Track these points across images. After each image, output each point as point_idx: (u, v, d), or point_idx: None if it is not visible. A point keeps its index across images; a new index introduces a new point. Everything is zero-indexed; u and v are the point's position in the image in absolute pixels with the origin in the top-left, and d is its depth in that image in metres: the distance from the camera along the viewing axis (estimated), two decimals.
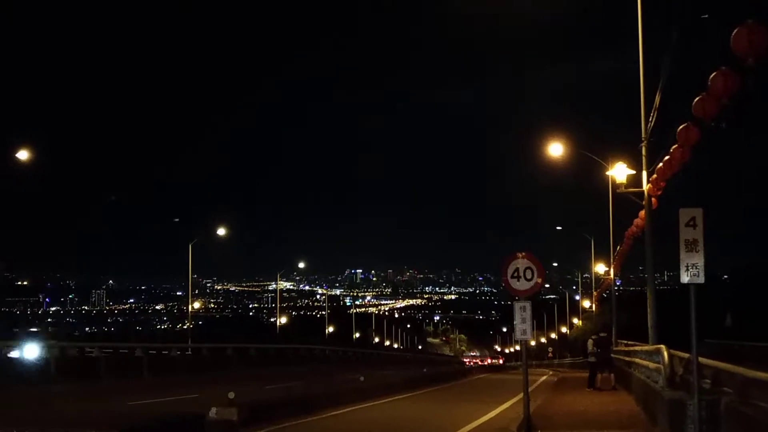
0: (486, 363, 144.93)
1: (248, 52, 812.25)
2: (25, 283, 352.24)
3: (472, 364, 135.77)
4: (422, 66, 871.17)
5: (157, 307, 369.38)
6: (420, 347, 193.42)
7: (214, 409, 17.64)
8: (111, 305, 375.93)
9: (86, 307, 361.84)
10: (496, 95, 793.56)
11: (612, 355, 34.81)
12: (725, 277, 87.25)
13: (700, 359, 13.21)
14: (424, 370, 63.27)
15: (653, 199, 26.28)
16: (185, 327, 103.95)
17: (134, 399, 25.24)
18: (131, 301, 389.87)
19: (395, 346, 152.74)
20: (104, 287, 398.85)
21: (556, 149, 35.15)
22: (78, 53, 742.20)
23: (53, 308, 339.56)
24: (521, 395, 18.37)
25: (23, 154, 42.71)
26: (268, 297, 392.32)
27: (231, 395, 18.00)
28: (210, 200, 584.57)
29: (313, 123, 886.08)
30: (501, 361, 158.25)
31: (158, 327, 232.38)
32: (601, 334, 33.38)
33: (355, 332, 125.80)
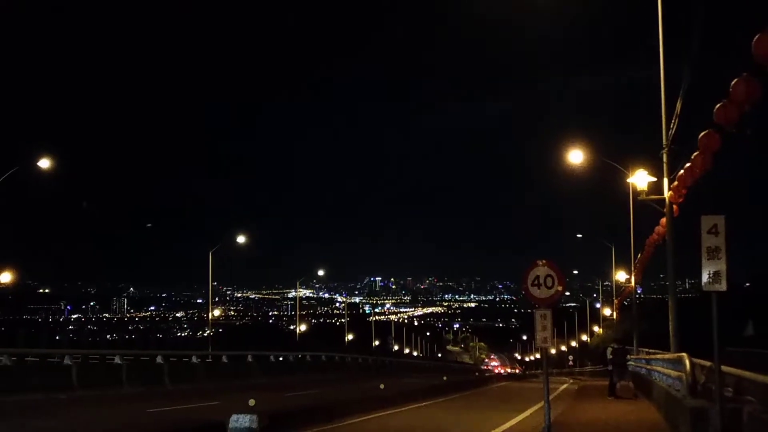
0: (503, 371, 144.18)
1: (271, 65, 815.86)
2: (46, 290, 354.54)
3: (496, 371, 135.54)
4: (445, 77, 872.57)
5: (178, 315, 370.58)
6: (439, 355, 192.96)
7: (234, 417, 17.64)
8: (131, 313, 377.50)
9: (107, 315, 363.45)
10: (518, 105, 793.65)
11: (628, 362, 34.65)
12: (747, 284, 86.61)
13: (722, 367, 13.14)
14: (444, 378, 63.05)
15: (674, 206, 26.17)
16: (205, 334, 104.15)
17: (155, 406, 25.30)
18: (152, 308, 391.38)
19: (415, 353, 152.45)
20: (125, 295, 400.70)
21: (576, 157, 35.05)
22: (102, 67, 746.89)
23: (74, 316, 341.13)
24: (542, 403, 18.29)
25: (45, 163, 42.98)
26: (287, 304, 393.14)
27: (251, 402, 18.00)
28: (231, 208, 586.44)
29: (336, 133, 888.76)
30: (517, 371, 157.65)
31: (178, 334, 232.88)
32: (614, 345, 33.23)
33: (375, 340, 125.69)
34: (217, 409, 23.84)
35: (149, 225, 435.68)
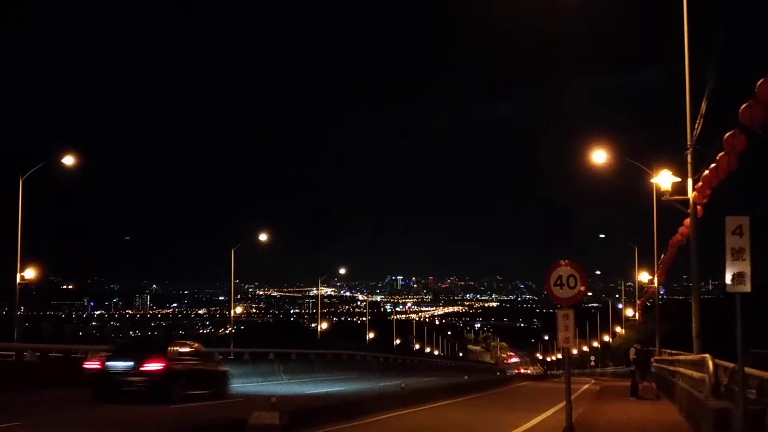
0: (522, 371, 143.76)
1: (290, 63, 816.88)
2: (70, 287, 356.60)
3: (516, 371, 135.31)
4: (463, 76, 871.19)
5: (200, 312, 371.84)
6: (460, 354, 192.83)
7: (255, 414, 17.73)
8: (154, 309, 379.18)
9: (130, 311, 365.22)
10: (539, 104, 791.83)
11: (653, 363, 34.57)
12: None
13: (746, 369, 13.08)
14: (465, 377, 63.07)
15: (699, 207, 26.04)
16: (227, 332, 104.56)
17: (177, 402, 25.40)
18: (174, 305, 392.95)
19: (435, 353, 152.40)
20: (148, 291, 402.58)
21: (599, 156, 34.92)
22: (122, 67, 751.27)
23: (97, 312, 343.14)
24: (563, 403, 18.25)
25: (69, 159, 43.30)
26: (309, 302, 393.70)
27: (273, 399, 18.09)
28: (255, 207, 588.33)
29: (355, 133, 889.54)
30: (530, 371, 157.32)
31: (201, 331, 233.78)
32: (637, 346, 33.13)
33: (396, 339, 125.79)
34: (239, 405, 23.93)
35: (127, 238, 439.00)
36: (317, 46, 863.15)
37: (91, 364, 27.87)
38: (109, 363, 26.51)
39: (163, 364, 26.25)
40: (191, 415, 21.54)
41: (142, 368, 25.98)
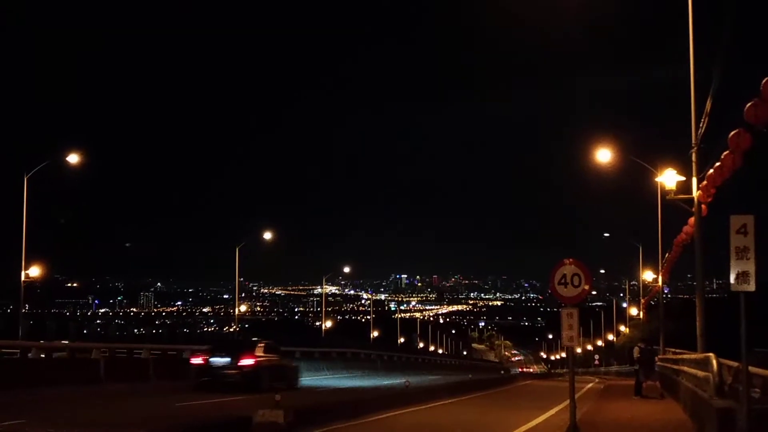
0: (524, 370, 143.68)
1: (296, 61, 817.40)
2: (74, 285, 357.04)
3: (520, 369, 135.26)
4: (470, 75, 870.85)
5: (204, 310, 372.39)
6: (465, 353, 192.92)
7: (260, 412, 17.75)
8: (159, 307, 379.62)
9: (134, 309, 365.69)
10: (543, 103, 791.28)
11: (657, 362, 34.55)
12: None
13: (750, 368, 13.08)
14: (469, 375, 63.13)
15: (703, 206, 26.02)
16: (232, 330, 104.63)
17: (182, 400, 25.46)
18: (179, 303, 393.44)
19: (440, 351, 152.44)
20: (152, 290, 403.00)
21: (604, 155, 34.91)
22: (126, 68, 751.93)
23: (102, 310, 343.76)
24: (567, 402, 18.26)
25: (74, 158, 43.38)
26: (313, 301, 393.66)
27: (277, 398, 18.12)
28: (259, 205, 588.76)
29: (357, 132, 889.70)
30: (532, 369, 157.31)
31: (205, 329, 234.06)
32: (641, 345, 33.10)
33: (400, 337, 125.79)
34: (244, 403, 23.97)
35: (128, 245, 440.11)
36: (317, 46, 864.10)
37: (196, 360, 32.81)
38: (211, 359, 32.05)
39: (254, 360, 32.13)
40: (197, 411, 21.59)
41: (238, 363, 31.74)
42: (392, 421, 22.91)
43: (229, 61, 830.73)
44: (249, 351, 32.89)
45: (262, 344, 34.20)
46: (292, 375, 36.31)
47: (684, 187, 27.44)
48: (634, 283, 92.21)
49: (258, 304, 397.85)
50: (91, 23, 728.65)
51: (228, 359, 32.01)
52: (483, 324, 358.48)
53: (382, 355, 70.53)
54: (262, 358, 32.80)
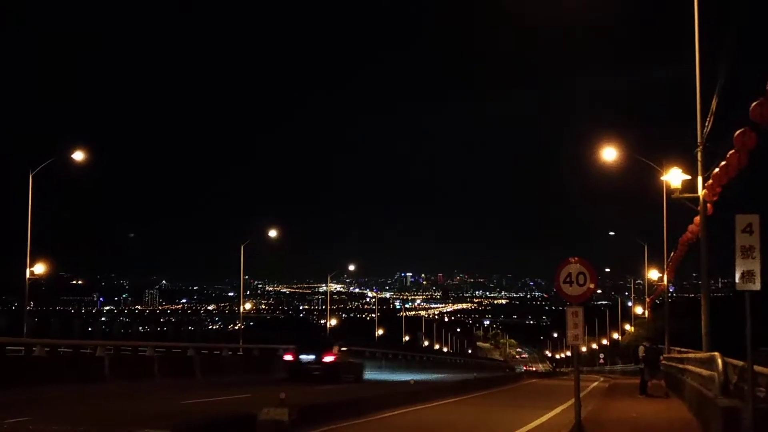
0: (527, 369, 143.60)
1: (299, 63, 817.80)
2: (80, 282, 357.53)
3: (525, 368, 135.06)
4: (471, 75, 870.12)
5: (209, 308, 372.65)
6: (469, 351, 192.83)
7: (265, 410, 17.73)
8: (164, 305, 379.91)
9: (139, 307, 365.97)
10: (548, 102, 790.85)
11: (662, 360, 34.53)
12: None
13: (755, 367, 13.06)
14: (474, 374, 63.06)
15: (709, 204, 25.96)
16: (236, 327, 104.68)
17: (187, 398, 25.47)
18: (183, 301, 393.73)
19: (445, 349, 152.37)
20: (157, 287, 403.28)
21: (609, 154, 34.85)
22: (135, 69, 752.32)
23: (107, 307, 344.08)
24: (572, 401, 18.25)
25: (79, 155, 43.38)
26: (318, 299, 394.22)
27: (282, 396, 18.10)
28: (264, 204, 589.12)
29: (367, 133, 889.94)
30: (534, 368, 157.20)
31: (210, 327, 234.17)
32: (646, 344, 33.08)
33: (405, 335, 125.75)
34: (248, 401, 23.98)
35: (131, 235, 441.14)
36: (319, 49, 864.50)
37: (288, 356, 39.55)
38: (300, 356, 38.99)
39: (333, 357, 39.11)
40: (201, 409, 21.59)
41: (321, 360, 38.67)
42: (396, 420, 22.89)
43: (232, 62, 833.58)
44: (330, 350, 39.63)
45: (339, 345, 41.23)
46: (358, 370, 43.52)
47: (689, 186, 27.37)
48: (639, 281, 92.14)
49: (263, 301, 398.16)
50: (95, 21, 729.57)
51: (313, 356, 38.84)
52: (488, 322, 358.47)
53: (387, 354, 70.48)
54: (339, 356, 39.57)
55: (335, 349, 39.73)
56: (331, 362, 38.70)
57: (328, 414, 21.33)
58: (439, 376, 58.46)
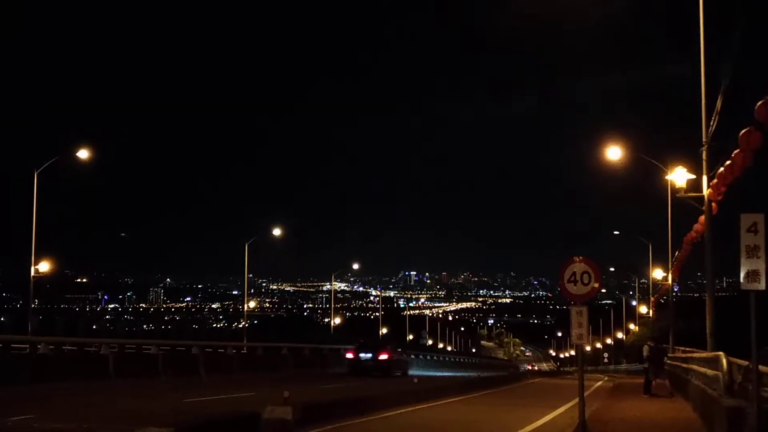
0: (530, 368, 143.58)
1: (303, 61, 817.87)
2: (84, 280, 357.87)
3: (529, 367, 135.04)
4: (478, 75, 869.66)
5: (213, 306, 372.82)
6: (473, 350, 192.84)
7: (269, 408, 17.74)
8: (168, 303, 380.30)
9: (143, 305, 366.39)
10: (552, 101, 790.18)
11: (666, 360, 34.49)
12: None
13: (760, 367, 13.03)
14: (477, 373, 63.04)
15: (713, 204, 25.92)
16: (240, 326, 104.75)
17: (191, 396, 25.49)
18: (188, 299, 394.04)
19: (449, 348, 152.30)
20: (161, 285, 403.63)
21: (614, 153, 34.80)
22: (139, 60, 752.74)
23: (111, 305, 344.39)
24: (576, 400, 18.22)
25: (84, 153, 43.42)
26: (322, 297, 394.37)
27: (286, 394, 18.10)
28: (268, 202, 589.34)
29: (370, 130, 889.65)
30: (537, 367, 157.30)
31: (214, 325, 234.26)
32: (650, 343, 33.07)
33: (409, 334, 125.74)
34: (252, 400, 23.99)
35: (123, 234, 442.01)
36: (330, 45, 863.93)
37: (350, 354, 46.90)
38: (360, 354, 46.26)
39: (388, 356, 46.42)
40: (206, 407, 21.60)
41: (377, 357, 45.98)
42: (400, 419, 22.88)
43: (236, 61, 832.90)
44: (384, 349, 47.12)
45: (391, 345, 50.09)
46: (405, 366, 50.34)
47: (694, 186, 27.35)
48: (644, 281, 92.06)
49: (267, 300, 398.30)
50: (101, 18, 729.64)
51: (370, 354, 46.13)
52: (492, 321, 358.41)
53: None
54: (391, 355, 46.83)
55: (389, 349, 47.41)
56: (384, 360, 45.98)
57: (332, 412, 21.34)
58: (450, 374, 58.98)
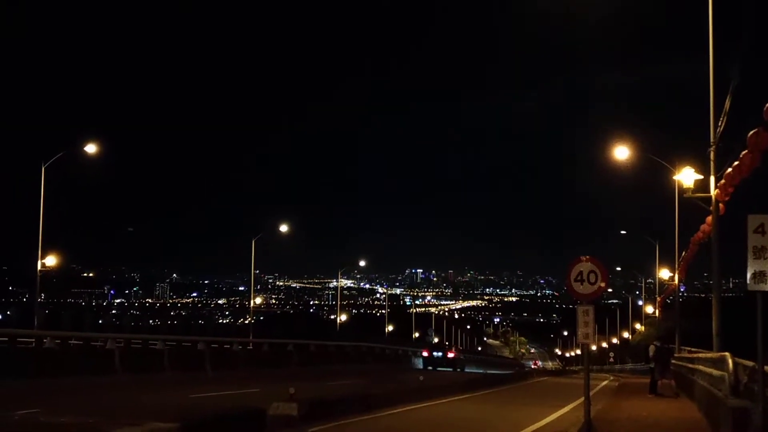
0: (535, 366, 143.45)
1: (315, 62, 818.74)
2: (90, 275, 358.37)
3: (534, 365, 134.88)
4: (486, 75, 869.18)
5: (220, 302, 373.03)
6: (479, 349, 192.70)
7: (275, 404, 17.80)
8: (174, 298, 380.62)
9: (150, 300, 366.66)
10: (560, 102, 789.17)
11: (672, 360, 34.46)
12: None
13: (766, 368, 13.01)
14: (483, 371, 63.12)
15: (721, 204, 25.86)
16: (247, 322, 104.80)
17: (197, 392, 25.54)
18: (194, 294, 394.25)
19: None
20: (168, 281, 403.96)
21: (621, 153, 34.75)
22: (149, 59, 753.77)
23: (117, 300, 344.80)
24: (581, 399, 18.22)
25: (91, 148, 43.46)
26: (328, 294, 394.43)
27: (292, 390, 18.16)
28: (276, 199, 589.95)
29: (381, 130, 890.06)
30: (536, 366, 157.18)
31: (220, 321, 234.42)
32: (656, 343, 33.03)
33: (415, 332, 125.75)
34: (257, 396, 24.04)
35: (130, 229, 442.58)
36: (340, 46, 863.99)
37: (425, 353, 66.05)
38: (433, 353, 66.29)
39: (454, 354, 66.97)
40: (211, 403, 21.64)
41: (446, 356, 65.86)
42: (404, 416, 22.89)
43: (247, 58, 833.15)
44: (450, 349, 68.09)
45: (455, 347, 72.83)
46: (462, 364, 68.81)
47: (702, 186, 27.27)
48: (650, 281, 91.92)
49: (273, 296, 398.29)
50: (109, 14, 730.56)
51: (441, 353, 66.58)
52: (498, 320, 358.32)
53: (397, 350, 70.57)
54: (455, 354, 67.21)
55: (454, 349, 68.52)
56: (451, 357, 65.55)
57: (337, 409, 21.37)
58: (493, 371, 69.59)
